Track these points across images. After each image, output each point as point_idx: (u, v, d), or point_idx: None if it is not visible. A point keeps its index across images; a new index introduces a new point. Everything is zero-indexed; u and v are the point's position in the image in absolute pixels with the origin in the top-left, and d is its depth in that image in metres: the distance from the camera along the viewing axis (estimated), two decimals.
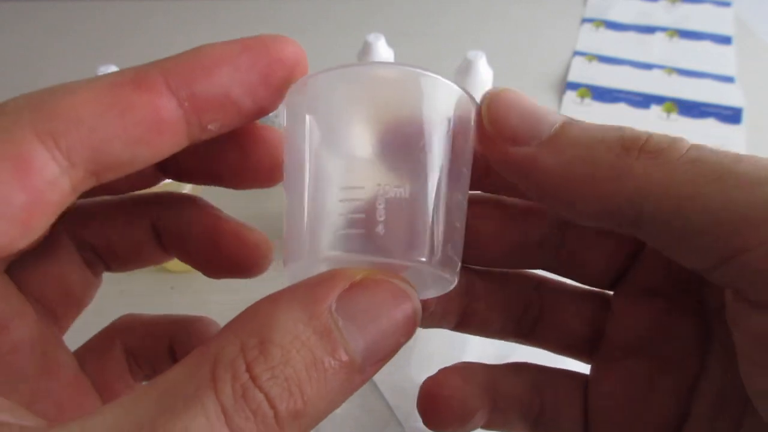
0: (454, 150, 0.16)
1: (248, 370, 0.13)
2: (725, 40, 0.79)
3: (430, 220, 0.15)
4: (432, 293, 0.18)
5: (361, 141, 0.16)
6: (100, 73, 0.47)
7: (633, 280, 0.21)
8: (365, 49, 0.52)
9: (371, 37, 0.51)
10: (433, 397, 0.20)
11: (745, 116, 0.66)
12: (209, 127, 0.17)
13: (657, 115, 0.67)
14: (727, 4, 0.85)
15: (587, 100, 0.70)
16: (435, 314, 0.21)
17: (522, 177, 0.17)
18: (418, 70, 0.16)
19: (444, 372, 0.21)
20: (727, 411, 0.18)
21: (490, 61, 0.51)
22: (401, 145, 0.16)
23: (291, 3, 0.87)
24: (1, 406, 0.13)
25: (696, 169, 0.15)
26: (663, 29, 0.81)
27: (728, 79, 0.71)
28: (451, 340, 0.43)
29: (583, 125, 0.17)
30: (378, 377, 0.43)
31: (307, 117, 0.16)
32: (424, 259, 0.15)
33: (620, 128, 0.16)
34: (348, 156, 0.16)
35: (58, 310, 0.19)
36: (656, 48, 0.77)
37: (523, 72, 0.74)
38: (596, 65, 0.74)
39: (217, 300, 0.49)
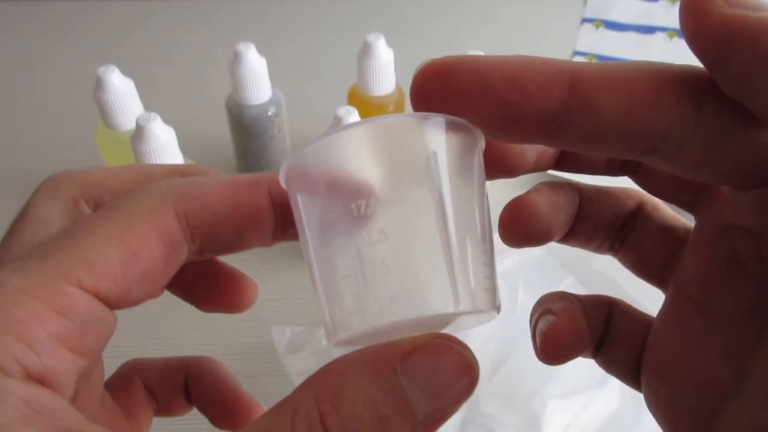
0: (451, 184, 0.16)
1: (322, 422, 0.15)
2: None
3: (446, 267, 0.15)
4: (476, 323, 0.18)
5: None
6: (99, 74, 0.47)
7: (707, 218, 0.20)
8: (365, 49, 0.52)
9: (371, 37, 0.51)
10: (556, 344, 0.22)
11: None
12: (290, 230, 0.20)
13: None
14: None
15: None
16: (550, 233, 0.22)
17: (747, 40, 0.14)
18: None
19: (563, 319, 0.22)
20: None
21: None
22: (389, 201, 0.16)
23: (291, 3, 0.87)
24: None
25: None
26: (663, 29, 0.81)
27: None
28: None
29: None
30: None
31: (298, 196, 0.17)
32: (451, 310, 0.15)
33: None
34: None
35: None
36: (656, 48, 0.77)
37: None
38: None
39: None
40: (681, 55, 0.77)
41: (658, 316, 0.22)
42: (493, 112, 0.16)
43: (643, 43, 0.78)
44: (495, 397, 0.41)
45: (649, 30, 0.81)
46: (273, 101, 0.53)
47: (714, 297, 0.19)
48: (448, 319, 0.16)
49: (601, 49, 0.77)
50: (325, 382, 0.16)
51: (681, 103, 0.15)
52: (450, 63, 0.16)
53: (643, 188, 0.22)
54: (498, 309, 0.17)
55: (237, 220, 0.19)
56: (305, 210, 0.17)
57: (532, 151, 0.21)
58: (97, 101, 0.48)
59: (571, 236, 0.23)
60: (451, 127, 0.16)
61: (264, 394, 0.25)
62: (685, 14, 0.15)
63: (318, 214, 0.16)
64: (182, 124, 0.49)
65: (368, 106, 0.53)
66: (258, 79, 0.51)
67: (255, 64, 0.50)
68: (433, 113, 0.16)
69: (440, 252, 0.15)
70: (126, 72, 0.49)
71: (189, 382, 0.25)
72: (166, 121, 0.45)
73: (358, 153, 0.16)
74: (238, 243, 0.20)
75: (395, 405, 0.15)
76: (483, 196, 0.17)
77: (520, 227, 0.21)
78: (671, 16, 0.83)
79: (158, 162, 0.44)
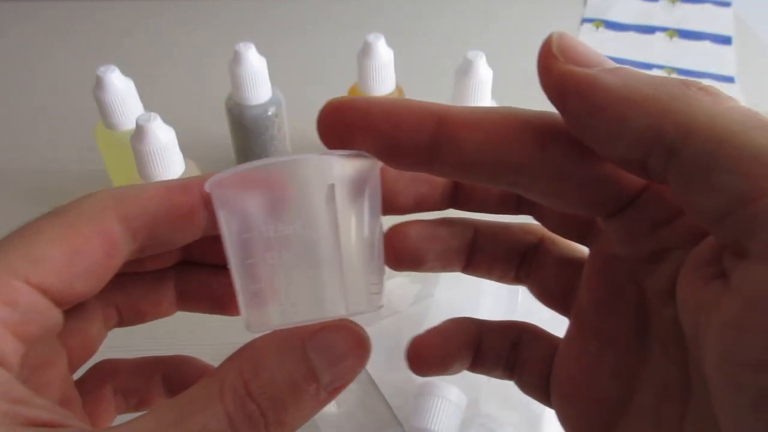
0: (346, 209, 0.19)
1: (245, 387, 0.18)
2: (725, 40, 0.79)
3: (339, 279, 0.19)
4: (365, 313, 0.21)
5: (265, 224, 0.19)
6: (99, 74, 0.47)
7: (596, 250, 0.22)
8: (365, 49, 0.52)
9: (371, 37, 0.51)
10: (417, 356, 0.25)
11: None
12: None
13: None
14: (727, 4, 0.85)
15: None
16: (439, 266, 0.25)
17: (577, 94, 0.17)
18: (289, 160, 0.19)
19: (429, 333, 0.25)
20: (671, 401, 0.19)
21: (490, 61, 0.51)
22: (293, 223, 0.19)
23: (291, 3, 0.87)
24: (51, 407, 0.18)
25: (743, 115, 0.15)
26: (663, 29, 0.81)
27: (728, 79, 0.71)
28: None
29: None
30: (378, 377, 0.43)
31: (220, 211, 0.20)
32: (342, 313, 0.19)
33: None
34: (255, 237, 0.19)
35: (75, 358, 0.24)
36: (656, 48, 0.77)
37: (523, 72, 0.74)
38: None
39: None
40: (680, 54, 0.77)
41: (562, 340, 0.23)
42: (377, 143, 0.19)
43: (643, 43, 0.78)
44: (495, 397, 0.42)
45: (649, 30, 0.81)
46: (273, 101, 0.53)
47: (604, 322, 0.21)
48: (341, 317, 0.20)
49: (601, 49, 0.76)
50: (248, 355, 0.19)
51: (529, 142, 0.18)
52: (343, 103, 0.20)
53: (541, 224, 0.24)
54: (379, 308, 0.20)
55: (172, 220, 0.22)
56: (226, 224, 0.20)
57: (408, 194, 0.23)
58: (97, 101, 0.48)
59: (469, 267, 0.25)
60: (348, 160, 0.19)
61: None
62: (538, 67, 0.18)
63: (236, 230, 0.19)
64: (182, 124, 0.49)
65: None
66: (258, 79, 0.51)
67: (255, 64, 0.50)
68: (335, 150, 0.19)
69: (336, 267, 0.19)
70: (126, 72, 0.49)
71: (170, 378, 0.27)
72: (166, 121, 0.45)
73: (272, 184, 0.19)
74: (174, 240, 0.22)
75: (304, 372, 0.18)
76: (375, 213, 0.20)
77: (391, 251, 0.24)
78: (671, 16, 0.83)
79: (158, 162, 0.44)
